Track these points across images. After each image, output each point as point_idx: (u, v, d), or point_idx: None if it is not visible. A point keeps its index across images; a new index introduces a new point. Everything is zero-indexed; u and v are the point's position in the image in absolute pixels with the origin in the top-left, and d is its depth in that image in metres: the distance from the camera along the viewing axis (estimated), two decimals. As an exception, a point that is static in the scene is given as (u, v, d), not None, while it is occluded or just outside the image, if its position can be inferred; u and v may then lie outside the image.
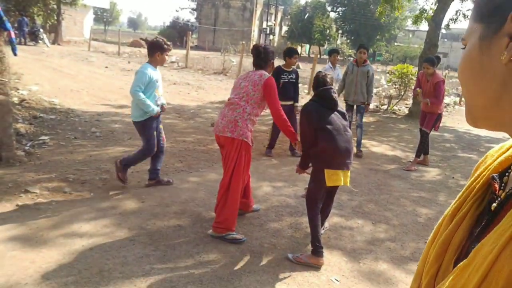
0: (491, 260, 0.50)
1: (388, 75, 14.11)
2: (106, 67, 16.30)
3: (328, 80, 3.55)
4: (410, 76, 12.29)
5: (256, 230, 3.88)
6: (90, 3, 31.91)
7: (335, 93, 3.54)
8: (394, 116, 11.84)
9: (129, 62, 18.87)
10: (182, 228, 3.74)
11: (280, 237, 3.80)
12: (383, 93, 15.59)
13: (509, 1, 0.53)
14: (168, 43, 4.83)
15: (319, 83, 3.56)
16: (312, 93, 3.80)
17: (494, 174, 0.64)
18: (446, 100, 15.56)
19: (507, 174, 0.63)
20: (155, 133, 4.67)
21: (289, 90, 6.28)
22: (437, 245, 0.65)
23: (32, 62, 14.38)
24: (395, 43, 49.27)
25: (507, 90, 0.54)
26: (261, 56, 3.73)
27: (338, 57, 7.34)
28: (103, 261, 3.06)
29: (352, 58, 43.52)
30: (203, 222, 3.91)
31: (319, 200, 3.48)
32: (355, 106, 7.02)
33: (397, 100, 12.94)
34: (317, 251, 3.36)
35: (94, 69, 15.32)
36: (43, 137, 6.08)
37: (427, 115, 6.55)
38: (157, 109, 4.54)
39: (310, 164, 3.56)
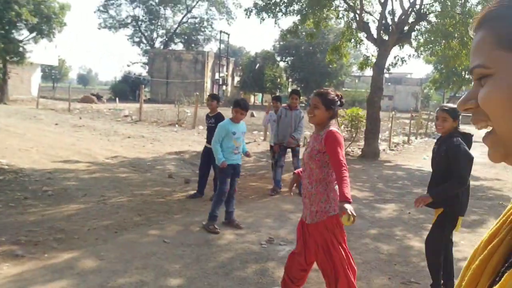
0: None
1: (339, 119, 14.65)
2: (56, 124, 15.88)
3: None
4: (360, 118, 12.87)
5: (221, 280, 3.79)
6: (38, 61, 31.40)
7: None
8: (348, 157, 12.21)
9: (80, 118, 18.52)
10: (145, 284, 3.59)
11: (247, 285, 3.73)
12: (336, 136, 16.08)
13: None
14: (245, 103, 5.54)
15: (459, 114, 3.52)
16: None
17: None
18: (395, 139, 16.31)
19: None
20: (228, 180, 5.27)
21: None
22: (472, 270, 0.65)
23: (-23, 123, 13.80)
24: (343, 89, 51.60)
25: None
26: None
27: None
28: (61, 326, 2.87)
29: (303, 105, 44.82)
30: (167, 276, 3.78)
31: None
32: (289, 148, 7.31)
33: (350, 142, 13.40)
34: None
35: (43, 126, 14.89)
36: (-10, 199, 5.75)
37: None
38: (222, 160, 5.17)
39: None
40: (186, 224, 5.33)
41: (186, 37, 53.07)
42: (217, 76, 42.81)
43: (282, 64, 49.87)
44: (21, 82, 29.17)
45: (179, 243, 4.64)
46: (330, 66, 31.55)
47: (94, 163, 8.98)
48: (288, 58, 49.13)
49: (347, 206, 2.72)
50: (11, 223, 4.94)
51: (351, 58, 38.09)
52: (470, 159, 3.35)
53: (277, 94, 50.01)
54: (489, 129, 0.63)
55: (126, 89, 41.62)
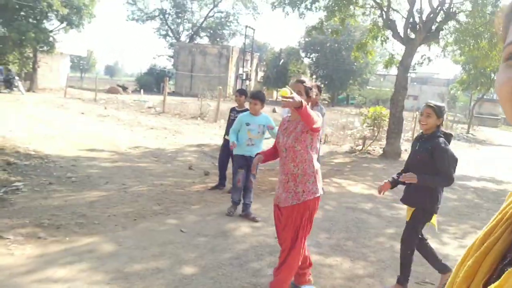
0: None
1: (361, 117, 14.55)
2: (83, 113, 16.25)
3: None
4: (382, 117, 12.74)
5: (236, 271, 3.85)
6: (67, 51, 32.15)
7: None
8: (369, 156, 12.11)
9: (105, 108, 18.87)
10: (161, 271, 3.68)
11: (260, 277, 3.78)
12: (357, 135, 16.00)
13: None
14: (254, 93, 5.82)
15: (444, 112, 3.59)
16: None
17: None
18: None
19: None
20: (242, 170, 5.45)
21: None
22: (467, 267, 0.64)
23: (6, 110, 14.25)
24: (368, 87, 50.98)
25: None
26: None
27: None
28: (78, 306, 2.98)
29: (326, 102, 44.35)
30: (182, 264, 3.87)
31: None
32: None
33: (372, 141, 13.28)
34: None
35: (70, 115, 15.26)
36: (16, 183, 5.97)
37: None
38: (232, 141, 5.35)
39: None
40: (203, 215, 5.41)
41: (211, 31, 53.28)
42: (240, 71, 42.87)
43: (306, 60, 49.53)
44: (50, 71, 29.89)
45: (196, 233, 4.73)
46: (355, 63, 31.23)
47: (117, 152, 9.18)
48: (313, 54, 48.75)
49: (298, 99, 2.80)
50: (35, 206, 5.12)
51: (376, 56, 37.57)
52: (456, 160, 3.46)
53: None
54: None
55: (151, 81, 42.12)
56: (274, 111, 27.95)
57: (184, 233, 4.69)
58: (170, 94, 29.21)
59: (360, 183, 8.34)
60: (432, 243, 5.13)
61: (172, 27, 52.76)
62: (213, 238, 4.62)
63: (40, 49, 25.40)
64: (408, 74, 12.70)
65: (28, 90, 24.89)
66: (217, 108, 17.66)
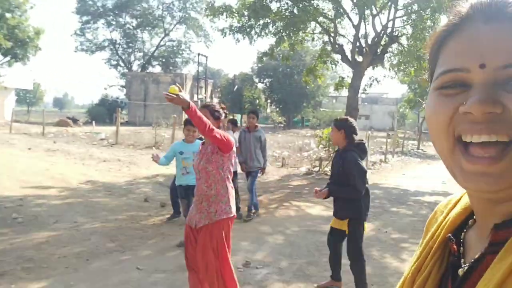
0: None
1: (316, 139, 14.80)
2: (29, 148, 15.50)
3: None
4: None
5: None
6: (12, 85, 30.87)
7: None
8: (326, 177, 12.26)
9: (54, 142, 18.11)
10: (116, 314, 3.46)
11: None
12: (314, 156, 16.23)
13: None
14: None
15: (355, 131, 3.77)
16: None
17: (449, 234, 0.63)
18: (373, 158, 16.53)
19: (464, 230, 0.63)
20: (184, 200, 5.42)
21: None
22: None
23: None
24: (321, 109, 52.28)
25: None
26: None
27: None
28: None
29: (282, 125, 44.91)
30: (139, 305, 3.66)
31: None
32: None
33: (327, 162, 13.48)
34: None
35: (15, 151, 14.49)
36: (-45, 229, 5.52)
37: None
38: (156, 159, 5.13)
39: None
40: (161, 250, 5.21)
41: (164, 60, 53.12)
42: (195, 98, 42.81)
43: (260, 85, 50.33)
44: (-6, 106, 28.56)
45: (153, 269, 4.52)
46: (308, 87, 32.04)
47: (67, 188, 8.76)
48: (266, 79, 49.64)
49: (183, 96, 2.81)
50: (-24, 253, 4.73)
51: (327, 79, 38.76)
52: (364, 172, 3.68)
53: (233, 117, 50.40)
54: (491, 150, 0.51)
55: (104, 112, 41.15)
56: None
57: (140, 270, 4.47)
58: (123, 124, 28.64)
59: (318, 204, 8.37)
60: (392, 260, 5.19)
61: (123, 57, 52.21)
62: (171, 274, 4.43)
63: (-17, 84, 24.29)
64: (359, 95, 13.11)
65: (-30, 127, 23.57)
66: (172, 136, 17.40)
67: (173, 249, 5.22)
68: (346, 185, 3.69)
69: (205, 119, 2.95)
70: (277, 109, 49.52)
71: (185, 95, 2.85)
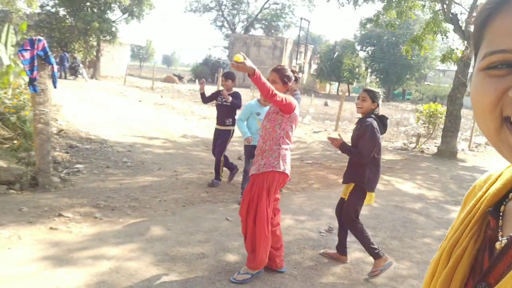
0: None
1: (416, 114, 14.07)
2: (140, 101, 16.94)
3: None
4: (438, 115, 12.26)
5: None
6: (128, 41, 33.48)
7: None
8: (422, 154, 11.72)
9: (161, 97, 19.54)
10: (205, 256, 3.83)
11: (301, 269, 3.83)
12: (412, 132, 15.50)
13: None
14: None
15: (379, 98, 3.83)
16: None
17: (489, 208, 0.62)
18: (477, 139, 15.34)
19: (504, 203, 0.62)
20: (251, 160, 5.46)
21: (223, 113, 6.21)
22: (438, 284, 0.63)
23: (71, 95, 15.13)
24: (425, 83, 49.04)
25: None
26: None
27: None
28: (128, 283, 3.18)
29: (381, 96, 43.12)
30: (226, 252, 4.00)
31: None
32: None
33: (426, 139, 12.83)
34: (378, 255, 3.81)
35: (128, 103, 15.95)
36: (78, 166, 6.39)
37: None
38: (247, 135, 5.37)
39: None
40: (249, 205, 5.52)
41: (266, 23, 53.30)
42: (294, 63, 42.65)
43: (362, 54, 48.41)
44: (112, 60, 31.29)
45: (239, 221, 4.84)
46: (413, 58, 30.07)
47: (170, 140, 9.52)
48: (369, 48, 47.54)
49: (250, 64, 3.02)
50: (93, 188, 5.47)
51: (436, 51, 35.96)
52: (375, 141, 3.65)
53: (354, 84, 48.84)
54: None
55: (206, 71, 42.94)
56: (326, 104, 27.66)
57: (229, 221, 4.82)
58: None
59: (410, 181, 8.12)
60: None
61: (228, 18, 53.34)
62: (257, 228, 4.71)
63: (103, 39, 26.67)
64: (469, 71, 12.09)
65: (91, 77, 26.23)
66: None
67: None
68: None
69: (268, 84, 3.10)
70: (377, 80, 47.47)
71: (250, 62, 3.01)
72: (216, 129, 6.35)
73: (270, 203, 3.44)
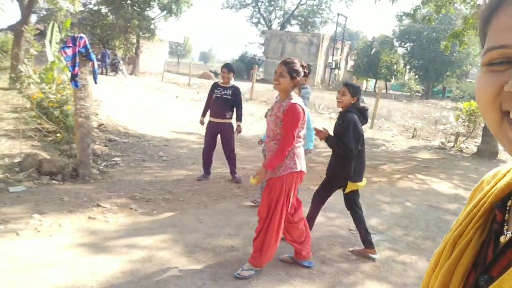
0: None
1: (456, 112, 13.65)
2: (177, 96, 17.28)
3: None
4: (478, 113, 11.85)
5: (306, 257, 3.96)
6: (166, 38, 34.18)
7: None
8: (460, 154, 11.38)
9: (198, 93, 19.85)
10: (235, 249, 3.91)
11: (329, 266, 3.85)
12: (450, 130, 15.06)
13: None
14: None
15: (359, 92, 3.94)
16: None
17: (497, 202, 0.63)
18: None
19: (511, 198, 0.62)
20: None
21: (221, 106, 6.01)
22: (440, 275, 0.63)
23: (111, 91, 15.63)
24: (467, 80, 47.35)
25: None
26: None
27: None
28: (160, 273, 3.31)
29: (419, 94, 41.71)
30: (255, 245, 4.06)
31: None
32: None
33: (465, 138, 12.44)
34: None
35: (165, 98, 16.32)
36: (115, 159, 6.64)
37: None
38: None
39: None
40: (280, 201, 5.57)
41: (303, 19, 53.00)
42: (330, 60, 42.21)
43: (400, 50, 47.26)
44: (151, 56, 32.02)
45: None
46: (454, 54, 29.07)
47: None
48: (408, 44, 46.33)
49: (262, 171, 3.29)
50: (129, 180, 5.67)
51: (480, 47, 34.61)
52: (358, 134, 3.76)
53: (392, 81, 47.67)
54: None
55: (242, 68, 43.19)
56: (362, 101, 27.21)
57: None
58: (258, 81, 29.77)
59: (446, 181, 7.92)
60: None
61: (264, 15, 53.39)
62: (287, 224, 4.76)
63: (143, 36, 27.33)
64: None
65: (131, 73, 26.96)
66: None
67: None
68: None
69: (277, 158, 3.26)
70: (416, 77, 46.24)
71: (261, 172, 3.31)
72: (212, 123, 6.17)
73: (288, 204, 3.41)
